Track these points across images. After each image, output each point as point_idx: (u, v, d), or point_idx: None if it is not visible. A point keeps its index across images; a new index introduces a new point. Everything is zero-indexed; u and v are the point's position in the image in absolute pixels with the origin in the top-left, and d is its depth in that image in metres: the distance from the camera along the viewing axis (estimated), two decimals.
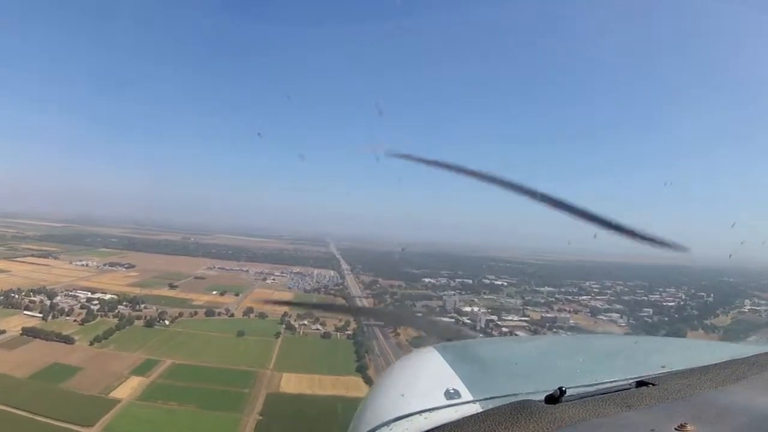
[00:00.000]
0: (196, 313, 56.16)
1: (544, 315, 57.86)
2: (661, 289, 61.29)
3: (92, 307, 54.22)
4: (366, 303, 70.26)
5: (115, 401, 34.17)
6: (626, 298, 59.91)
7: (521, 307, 61.93)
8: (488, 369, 2.33)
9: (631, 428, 1.26)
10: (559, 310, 58.68)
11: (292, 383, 39.23)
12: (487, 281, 74.98)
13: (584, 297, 61.49)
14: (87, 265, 76.56)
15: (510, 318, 58.03)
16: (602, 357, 2.57)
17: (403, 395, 1.92)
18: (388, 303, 67.27)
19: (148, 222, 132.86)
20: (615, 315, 54.48)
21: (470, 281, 74.89)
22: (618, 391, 1.60)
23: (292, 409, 34.99)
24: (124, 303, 56.32)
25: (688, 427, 1.22)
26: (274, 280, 79.53)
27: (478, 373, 2.17)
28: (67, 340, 44.34)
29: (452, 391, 1.84)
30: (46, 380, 36.46)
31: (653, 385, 1.60)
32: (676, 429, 1.22)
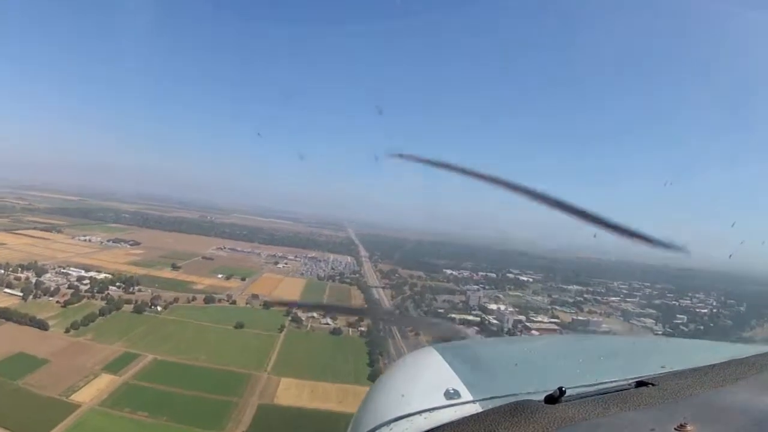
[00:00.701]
0: (194, 299, 50.16)
1: (574, 318, 53.53)
2: (690, 294, 58.09)
3: (81, 286, 48.93)
4: (383, 295, 63.21)
5: (74, 406, 28.26)
6: (657, 302, 56.45)
7: (549, 307, 57.95)
8: (488, 369, 2.33)
9: (631, 428, 1.26)
10: (590, 312, 54.87)
11: (290, 392, 32.57)
12: (511, 275, 69.22)
13: (613, 299, 58.17)
14: (90, 240, 71.92)
15: (539, 319, 53.07)
16: (602, 357, 2.45)
17: (403, 395, 1.92)
18: (408, 295, 61.87)
19: (167, 198, 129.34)
20: (648, 321, 51.08)
21: (494, 275, 69.59)
22: (618, 391, 1.58)
23: (286, 428, 28.25)
24: (117, 284, 50.86)
25: (688, 427, 1.21)
26: (286, 264, 73.29)
27: (478, 373, 2.17)
28: (42, 325, 38.87)
29: (452, 391, 1.83)
30: (2, 374, 30.82)
31: (653, 385, 1.59)
32: (676, 429, 1.22)
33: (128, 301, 46.13)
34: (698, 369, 1.79)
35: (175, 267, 62.81)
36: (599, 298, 58.50)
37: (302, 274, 69.36)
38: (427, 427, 1.53)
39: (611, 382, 1.77)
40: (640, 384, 1.62)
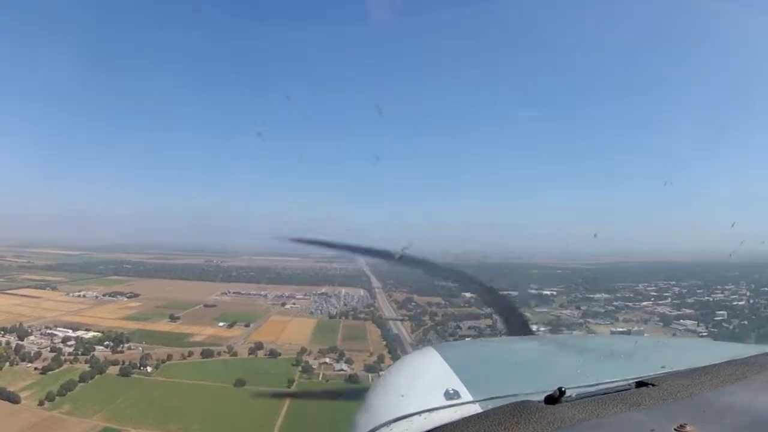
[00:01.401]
0: (190, 354, 44.54)
1: (613, 330, 48.03)
2: (719, 288, 54.10)
3: (65, 348, 43.81)
4: (402, 328, 57.41)
5: None
6: (690, 300, 53.34)
7: (581, 320, 53.47)
8: (488, 369, 2.35)
9: (631, 428, 1.26)
10: (626, 321, 51.08)
11: None
12: (533, 291, 62.51)
13: (645, 303, 54.59)
14: (84, 296, 67.23)
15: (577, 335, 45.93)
16: (602, 357, 2.49)
17: (402, 396, 1.92)
18: (429, 326, 57.18)
19: (173, 246, 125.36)
20: (689, 322, 47.80)
21: (515, 292, 62.63)
22: (618, 391, 1.59)
23: None
24: (106, 342, 45.61)
25: (688, 428, 1.21)
26: (294, 304, 67.64)
27: (478, 374, 2.18)
28: (12, 398, 33.53)
29: (452, 392, 1.83)
30: None
31: (653, 385, 1.60)
32: (676, 429, 1.21)
33: (115, 362, 40.77)
34: (698, 369, 1.78)
35: (173, 318, 57.60)
36: (630, 304, 54.87)
37: (312, 313, 63.62)
38: (427, 428, 1.52)
39: (611, 382, 1.76)
40: (640, 384, 1.61)
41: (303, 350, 47.13)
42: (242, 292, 74.41)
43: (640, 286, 58.12)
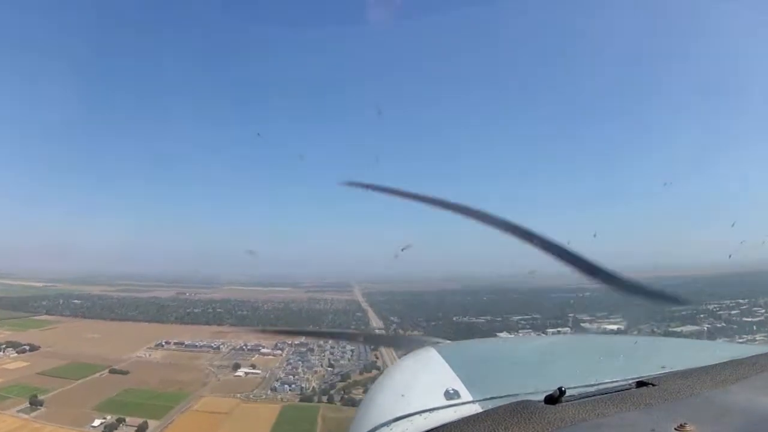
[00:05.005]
0: None
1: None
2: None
3: None
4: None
5: None
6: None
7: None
8: (488, 369, 2.32)
9: (631, 428, 1.25)
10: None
11: None
12: (586, 323, 41.17)
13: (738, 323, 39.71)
14: None
15: None
16: (602, 357, 2.45)
17: (403, 395, 1.91)
18: None
19: (157, 276, 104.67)
20: None
21: (558, 320, 44.38)
22: (618, 391, 1.57)
23: None
24: None
25: (688, 427, 1.20)
26: (253, 367, 43.30)
27: (478, 374, 2.16)
28: None
29: (452, 392, 1.82)
30: None
31: (653, 385, 1.57)
32: (676, 429, 1.20)
33: None
34: (698, 369, 1.75)
35: (33, 405, 34.21)
36: (724, 325, 40.48)
37: (274, 389, 38.91)
38: (427, 428, 1.49)
39: (611, 382, 1.73)
40: (640, 384, 1.59)
41: None
42: (186, 343, 51.00)
43: (710, 306, 43.67)
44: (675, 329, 37.81)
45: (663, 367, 1.88)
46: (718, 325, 43.60)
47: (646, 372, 1.79)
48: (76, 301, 74.11)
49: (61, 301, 73.34)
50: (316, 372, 42.41)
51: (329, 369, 42.76)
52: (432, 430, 1.43)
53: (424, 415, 1.66)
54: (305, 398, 37.23)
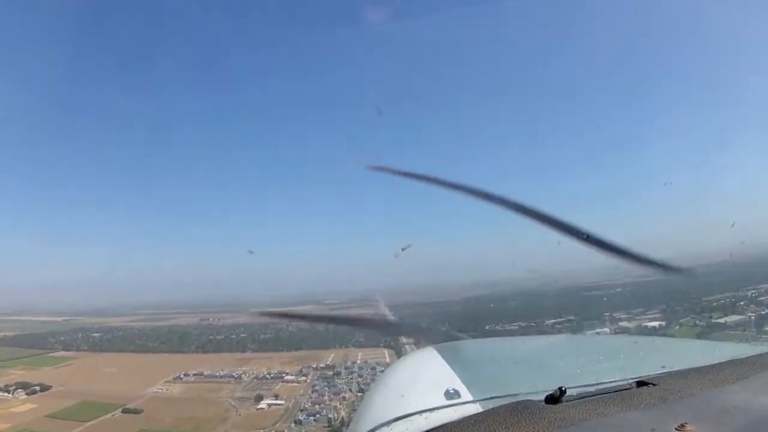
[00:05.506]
0: None
1: None
2: None
3: None
4: None
5: None
6: None
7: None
8: (488, 369, 2.31)
9: (631, 428, 1.25)
10: None
11: None
12: (624, 322, 38.33)
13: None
14: None
15: None
16: (602, 357, 2.46)
17: (402, 395, 1.91)
18: None
19: (173, 303, 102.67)
20: None
21: (594, 321, 36.90)
22: (618, 391, 1.58)
23: None
24: None
25: (688, 427, 1.20)
26: (276, 397, 39.39)
27: (478, 373, 2.16)
28: None
29: (452, 391, 1.83)
30: None
31: (653, 385, 1.58)
32: (676, 429, 1.20)
33: None
34: (698, 369, 1.75)
35: None
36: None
37: (299, 422, 34.77)
38: (427, 427, 1.49)
39: (611, 382, 1.73)
40: (641, 384, 1.59)
41: None
42: (206, 374, 47.57)
43: (723, 299, 39.80)
44: (718, 320, 35.65)
45: (663, 367, 1.86)
46: (763, 312, 38.38)
47: (646, 372, 1.77)
48: (95, 334, 71.85)
49: (79, 335, 71.10)
50: (344, 398, 38.20)
51: (359, 394, 38.47)
52: (432, 429, 1.42)
53: (424, 414, 1.64)
54: (333, 430, 33.06)
